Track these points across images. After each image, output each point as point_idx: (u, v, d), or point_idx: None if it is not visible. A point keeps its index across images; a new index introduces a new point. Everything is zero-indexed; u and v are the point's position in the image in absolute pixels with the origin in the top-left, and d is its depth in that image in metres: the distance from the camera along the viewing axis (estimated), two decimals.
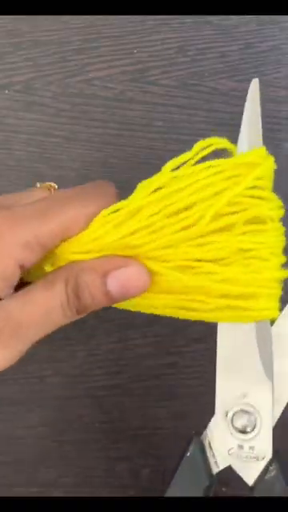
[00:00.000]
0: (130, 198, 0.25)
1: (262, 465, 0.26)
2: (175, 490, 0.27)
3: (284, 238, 0.25)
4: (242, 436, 0.27)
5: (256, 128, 0.28)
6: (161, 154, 0.40)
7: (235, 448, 0.27)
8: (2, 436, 0.37)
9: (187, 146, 0.40)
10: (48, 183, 0.30)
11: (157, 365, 0.38)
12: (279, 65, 0.41)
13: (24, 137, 0.40)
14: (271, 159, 0.26)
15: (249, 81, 0.41)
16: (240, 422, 0.27)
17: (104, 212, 0.25)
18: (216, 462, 0.27)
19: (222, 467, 0.27)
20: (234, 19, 0.41)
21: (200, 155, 0.27)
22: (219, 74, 0.41)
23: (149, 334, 0.38)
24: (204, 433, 0.28)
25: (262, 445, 0.27)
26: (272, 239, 0.25)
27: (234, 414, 0.27)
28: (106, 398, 0.38)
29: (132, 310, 0.27)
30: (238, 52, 0.41)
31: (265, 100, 0.41)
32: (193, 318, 0.26)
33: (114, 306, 0.26)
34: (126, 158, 0.40)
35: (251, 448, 0.27)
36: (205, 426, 0.38)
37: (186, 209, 0.25)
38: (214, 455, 0.27)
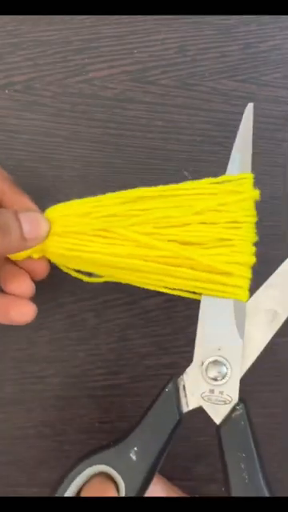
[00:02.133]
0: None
1: (228, 407, 0.31)
2: (149, 421, 0.31)
3: (255, 235, 0.32)
4: (213, 382, 0.32)
5: (247, 153, 0.34)
6: (161, 154, 0.40)
7: (207, 392, 0.32)
8: (3, 436, 0.38)
9: (187, 146, 0.41)
10: None
11: (157, 365, 0.38)
12: (279, 65, 0.41)
13: (24, 137, 0.40)
14: (256, 192, 0.33)
15: (249, 81, 0.41)
16: (213, 371, 0.32)
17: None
18: (187, 403, 0.32)
19: (191, 407, 0.32)
20: (233, 19, 0.41)
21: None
22: (219, 74, 0.41)
23: (149, 334, 0.38)
24: (181, 377, 0.32)
25: (230, 391, 0.32)
26: (245, 234, 0.32)
27: (208, 364, 0.32)
28: (106, 397, 0.38)
29: (122, 280, 0.34)
30: (237, 52, 0.41)
31: (264, 100, 0.41)
32: (177, 286, 0.32)
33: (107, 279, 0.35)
34: (126, 158, 0.40)
35: (221, 392, 0.32)
36: (205, 426, 0.38)
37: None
38: (186, 396, 0.32)
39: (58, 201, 0.40)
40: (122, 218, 0.32)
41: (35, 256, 0.33)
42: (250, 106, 0.36)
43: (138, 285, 0.33)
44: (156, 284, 0.33)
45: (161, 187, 0.33)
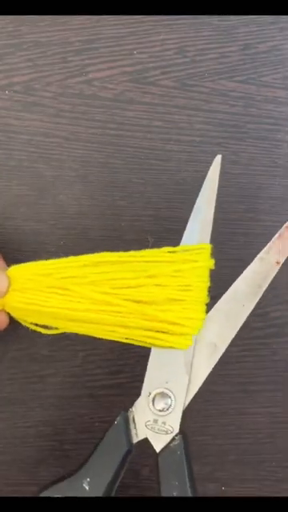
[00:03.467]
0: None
1: (169, 437, 0.33)
2: (100, 453, 0.33)
3: (207, 297, 0.34)
4: (158, 413, 0.34)
5: (208, 217, 0.35)
6: (160, 155, 0.40)
7: (151, 421, 0.34)
8: (3, 436, 0.38)
9: (187, 146, 0.41)
10: None
11: None
12: (278, 65, 0.41)
13: (24, 137, 0.40)
14: (211, 261, 0.34)
15: (248, 81, 0.41)
16: (159, 402, 0.34)
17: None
18: (136, 434, 0.34)
19: (140, 438, 0.33)
20: (233, 20, 0.41)
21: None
22: (218, 74, 0.41)
23: None
24: (130, 409, 0.34)
25: (172, 422, 0.34)
26: (197, 295, 0.33)
27: (155, 395, 0.34)
28: (106, 397, 0.38)
29: (77, 332, 0.34)
30: (237, 53, 0.41)
31: (263, 101, 0.41)
32: (129, 336, 0.33)
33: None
34: (125, 159, 0.40)
35: (163, 423, 0.34)
36: (204, 425, 0.38)
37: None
38: (135, 427, 0.34)
39: (58, 201, 0.40)
40: (80, 278, 0.33)
41: None
42: (217, 159, 0.36)
43: (93, 335, 0.34)
44: (109, 335, 0.34)
45: (120, 253, 0.34)
